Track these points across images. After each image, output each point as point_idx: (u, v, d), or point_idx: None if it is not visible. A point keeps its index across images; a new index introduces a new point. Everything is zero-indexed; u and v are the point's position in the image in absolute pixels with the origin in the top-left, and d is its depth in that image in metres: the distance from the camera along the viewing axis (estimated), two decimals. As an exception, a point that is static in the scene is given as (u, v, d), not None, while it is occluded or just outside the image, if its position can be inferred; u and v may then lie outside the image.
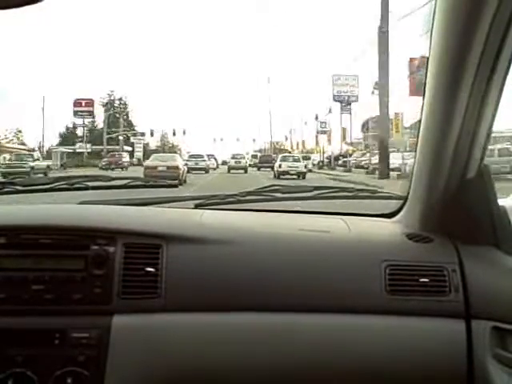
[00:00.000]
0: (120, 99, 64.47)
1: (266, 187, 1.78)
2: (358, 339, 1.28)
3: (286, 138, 71.08)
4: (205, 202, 1.68)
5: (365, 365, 1.28)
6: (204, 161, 30.96)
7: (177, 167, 18.57)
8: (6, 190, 1.69)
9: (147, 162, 21.32)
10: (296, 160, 28.37)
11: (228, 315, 1.29)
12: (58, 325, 1.26)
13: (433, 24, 1.24)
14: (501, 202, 1.39)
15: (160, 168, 18.25)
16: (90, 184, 1.79)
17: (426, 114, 1.36)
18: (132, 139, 58.20)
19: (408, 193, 1.54)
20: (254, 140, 75.23)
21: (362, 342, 1.28)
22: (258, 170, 34.78)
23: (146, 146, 64.15)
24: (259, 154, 48.72)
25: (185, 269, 1.32)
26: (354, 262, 1.36)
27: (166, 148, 66.52)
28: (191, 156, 31.91)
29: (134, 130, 62.88)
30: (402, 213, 1.59)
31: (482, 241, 1.38)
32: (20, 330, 1.25)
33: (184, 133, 56.79)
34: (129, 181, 1.89)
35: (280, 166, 26.44)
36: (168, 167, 18.33)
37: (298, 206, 1.82)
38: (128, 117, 64.22)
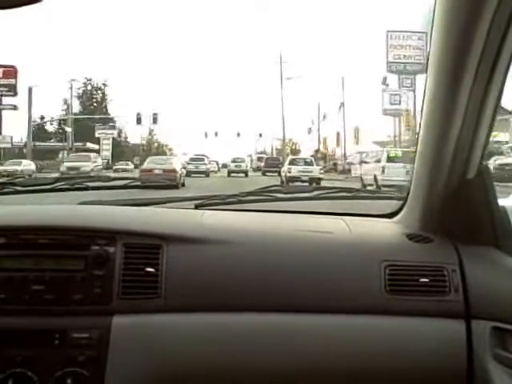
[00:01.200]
0: (99, 88, 53.17)
1: (266, 187, 1.78)
2: (358, 339, 1.28)
3: (310, 131, 47.65)
4: (205, 203, 1.67)
5: (365, 365, 1.28)
6: (205, 164, 30.87)
7: (174, 170, 17.79)
8: (5, 190, 1.70)
9: (144, 165, 20.36)
10: (308, 163, 23.84)
11: (228, 315, 1.29)
12: (58, 325, 1.26)
13: (433, 23, 1.24)
14: (501, 202, 1.40)
15: (156, 171, 17.64)
16: (91, 184, 1.79)
17: (426, 113, 1.36)
18: (97, 133, 45.23)
19: (408, 193, 1.54)
20: (260, 135, 58.35)
21: (361, 342, 1.28)
22: (264, 174, 30.19)
23: (138, 145, 53.66)
24: (265, 156, 41.34)
25: (185, 269, 1.32)
26: (354, 263, 1.36)
27: (154, 147, 56.40)
28: (192, 159, 31.81)
29: (106, 117, 49.02)
30: (402, 213, 1.59)
31: (481, 241, 1.38)
32: (20, 331, 1.25)
33: (155, 121, 42.19)
34: (129, 181, 1.90)
35: (289, 171, 22.08)
36: (164, 170, 17.59)
37: (298, 207, 1.82)
38: (107, 109, 52.86)
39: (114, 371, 1.24)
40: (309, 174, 21.76)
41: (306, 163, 23.87)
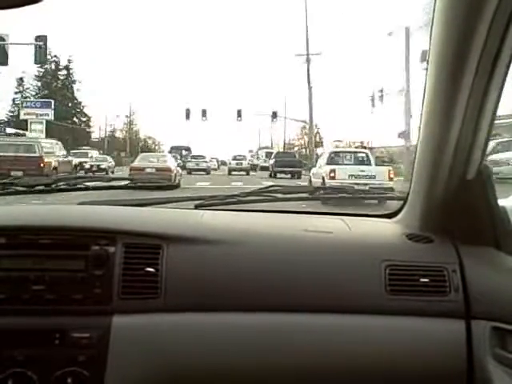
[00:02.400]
0: (65, 67, 43.93)
1: (266, 187, 1.79)
2: (358, 339, 1.28)
3: (374, 99, 26.19)
4: (205, 203, 1.68)
5: (365, 365, 1.28)
6: (205, 162, 30.97)
7: (168, 169, 16.47)
8: (6, 190, 1.70)
9: (133, 163, 18.60)
10: (362, 161, 14.14)
11: (228, 315, 1.29)
12: (58, 325, 1.26)
13: (433, 22, 1.24)
14: (501, 202, 1.40)
15: (148, 170, 16.27)
16: (91, 184, 1.79)
17: (426, 113, 1.36)
18: (23, 113, 31.03)
19: (408, 193, 1.54)
20: (274, 114, 36.66)
21: (361, 342, 1.28)
22: (273, 176, 22.83)
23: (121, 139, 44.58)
24: (274, 151, 31.38)
25: (185, 269, 1.32)
26: (354, 263, 1.36)
27: (134, 140, 47.63)
28: (192, 157, 31.91)
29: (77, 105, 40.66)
30: (402, 213, 1.59)
31: (482, 241, 1.38)
32: (20, 330, 1.25)
33: (65, 73, 27.66)
34: (129, 181, 1.90)
35: (332, 175, 12.41)
36: (157, 169, 16.18)
37: (298, 207, 1.82)
38: (72, 91, 44.83)
39: (113, 371, 1.24)
40: (370, 181, 11.89)
41: (359, 161, 14.18)
